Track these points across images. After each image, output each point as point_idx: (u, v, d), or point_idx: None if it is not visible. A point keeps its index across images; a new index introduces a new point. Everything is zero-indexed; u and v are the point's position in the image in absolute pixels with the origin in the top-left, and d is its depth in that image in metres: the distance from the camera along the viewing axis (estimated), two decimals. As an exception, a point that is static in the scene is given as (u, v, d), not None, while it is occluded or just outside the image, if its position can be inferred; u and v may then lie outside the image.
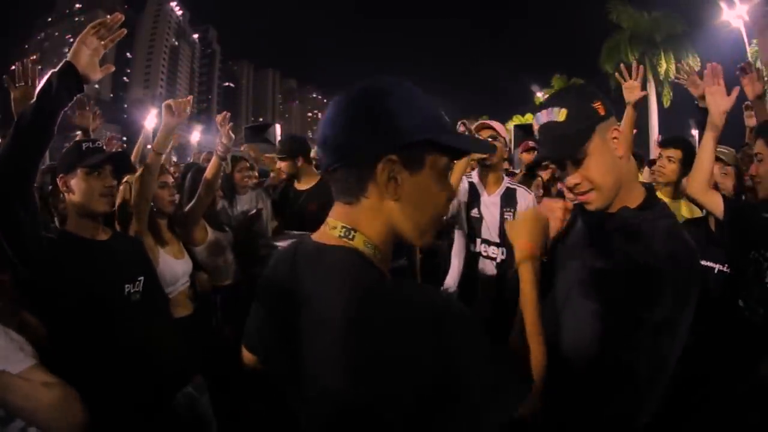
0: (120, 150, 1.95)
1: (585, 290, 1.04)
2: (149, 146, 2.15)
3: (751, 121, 2.70)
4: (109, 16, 1.20)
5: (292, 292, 0.74)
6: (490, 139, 2.27)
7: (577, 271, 1.07)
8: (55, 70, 1.15)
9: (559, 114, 1.00)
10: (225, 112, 2.41)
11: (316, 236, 0.77)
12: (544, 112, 1.02)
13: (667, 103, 19.34)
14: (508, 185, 2.35)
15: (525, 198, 2.32)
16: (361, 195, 0.72)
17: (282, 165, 2.96)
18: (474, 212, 2.34)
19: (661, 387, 0.94)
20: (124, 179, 1.95)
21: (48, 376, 0.97)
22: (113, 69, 1.28)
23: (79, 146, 1.48)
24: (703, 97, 1.86)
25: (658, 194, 2.32)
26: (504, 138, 2.35)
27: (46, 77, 1.13)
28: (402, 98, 0.69)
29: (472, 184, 2.37)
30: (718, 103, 1.57)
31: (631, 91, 2.12)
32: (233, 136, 2.33)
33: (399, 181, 0.69)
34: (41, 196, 2.01)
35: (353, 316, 0.64)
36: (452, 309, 0.66)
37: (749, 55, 14.04)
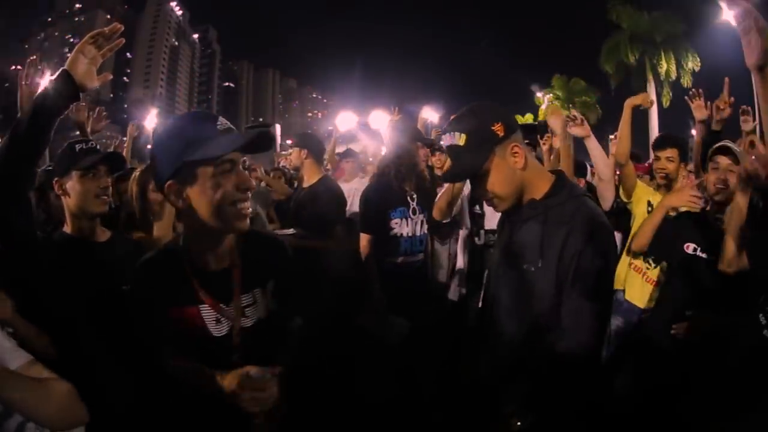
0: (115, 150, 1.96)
1: (508, 282, 1.20)
2: (149, 146, 2.15)
3: (747, 125, 2.73)
4: (107, 27, 1.19)
5: None
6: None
7: (501, 264, 1.24)
8: (53, 77, 1.15)
9: (460, 138, 1.13)
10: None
11: None
12: (447, 135, 1.16)
13: (667, 103, 19.34)
14: None
15: None
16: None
17: (292, 154, 3.14)
18: (476, 209, 2.44)
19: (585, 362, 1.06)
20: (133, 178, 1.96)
21: (46, 372, 0.97)
22: (111, 77, 1.28)
23: (73, 148, 1.48)
24: (702, 122, 2.39)
25: (659, 195, 2.36)
26: None
27: (42, 86, 1.15)
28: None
29: None
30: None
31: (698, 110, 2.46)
32: None
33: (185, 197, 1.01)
34: (42, 197, 2.01)
35: None
36: None
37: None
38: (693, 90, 2.58)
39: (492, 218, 2.35)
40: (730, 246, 1.59)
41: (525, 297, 1.13)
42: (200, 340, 1.10)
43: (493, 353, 1.24)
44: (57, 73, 1.16)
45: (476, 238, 2.47)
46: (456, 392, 1.97)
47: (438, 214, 2.42)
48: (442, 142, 1.17)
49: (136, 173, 1.99)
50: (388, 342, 2.33)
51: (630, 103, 2.45)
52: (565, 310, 1.07)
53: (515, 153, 1.13)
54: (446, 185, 2.31)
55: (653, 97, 19.48)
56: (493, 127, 1.11)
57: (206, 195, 0.99)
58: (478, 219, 2.44)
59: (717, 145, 1.90)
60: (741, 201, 1.55)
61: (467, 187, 2.45)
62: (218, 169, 0.99)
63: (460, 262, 2.61)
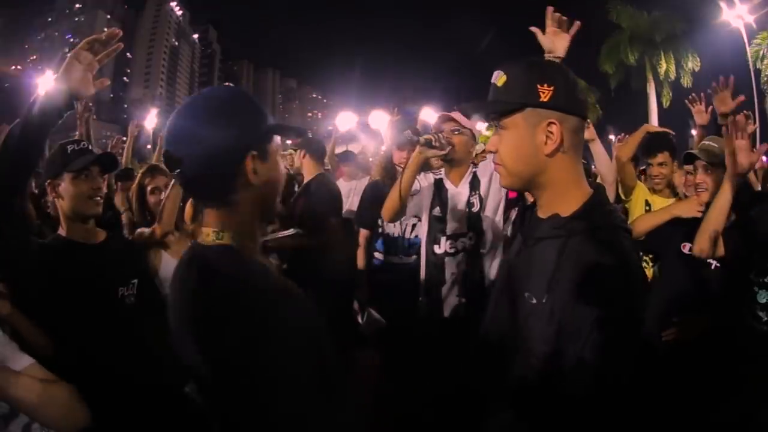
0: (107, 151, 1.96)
1: (502, 298, 1.03)
2: (149, 146, 2.15)
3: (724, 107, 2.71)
4: (104, 32, 1.15)
5: None
6: (454, 132, 2.04)
7: (500, 278, 1.09)
8: (47, 89, 1.12)
9: (500, 78, 0.94)
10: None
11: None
12: (495, 72, 0.96)
13: (667, 103, 19.33)
14: (474, 170, 2.15)
15: (486, 169, 2.11)
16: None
17: (295, 158, 3.24)
18: (436, 211, 2.15)
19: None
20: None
21: (49, 374, 0.97)
22: (108, 83, 1.25)
23: (64, 149, 1.44)
24: (725, 115, 2.08)
25: (657, 197, 2.38)
26: (469, 130, 2.12)
27: (35, 96, 1.10)
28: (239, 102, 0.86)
29: (438, 181, 2.18)
30: (743, 160, 1.52)
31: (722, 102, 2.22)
32: None
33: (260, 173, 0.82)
34: (38, 197, 2.00)
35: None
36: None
37: (749, 55, 14.03)
38: (693, 95, 2.54)
39: (458, 215, 2.10)
40: (705, 232, 1.56)
41: (519, 328, 0.93)
42: None
43: (484, 377, 1.06)
44: (51, 84, 1.12)
45: (436, 247, 2.10)
46: (447, 394, 1.98)
47: (384, 214, 2.11)
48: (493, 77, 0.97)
49: (139, 175, 2.00)
50: (363, 334, 2.38)
51: (647, 128, 2.58)
52: (570, 367, 0.83)
53: (549, 132, 0.88)
54: (395, 184, 2.02)
55: (653, 97, 19.61)
56: (539, 86, 0.88)
57: (275, 172, 0.87)
58: (437, 223, 2.12)
59: (685, 153, 1.95)
60: (727, 190, 1.54)
61: (427, 193, 2.19)
62: (277, 149, 0.90)
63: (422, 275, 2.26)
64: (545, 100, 0.88)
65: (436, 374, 2.02)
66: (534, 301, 0.89)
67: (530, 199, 1.22)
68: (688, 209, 1.86)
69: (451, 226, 2.11)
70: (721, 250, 1.53)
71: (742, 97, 2.29)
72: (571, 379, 0.83)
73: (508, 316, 0.98)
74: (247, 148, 0.80)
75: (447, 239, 2.11)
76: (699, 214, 1.77)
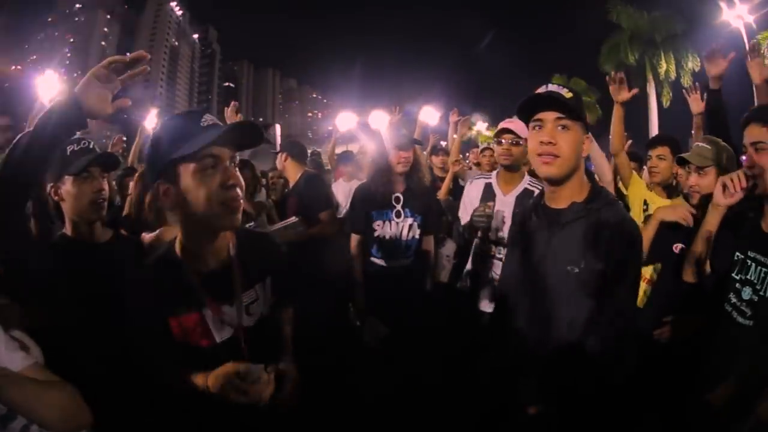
0: (107, 151, 1.95)
1: (551, 284, 1.27)
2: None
3: (696, 107, 2.72)
4: (130, 55, 1.06)
5: None
6: (512, 145, 2.18)
7: (543, 266, 1.29)
8: (61, 99, 1.02)
9: (567, 93, 1.25)
10: (234, 102, 2.55)
11: None
12: (554, 86, 1.27)
13: (667, 103, 19.32)
14: (527, 186, 2.23)
15: None
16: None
17: (277, 162, 3.28)
18: (480, 212, 2.18)
19: (628, 351, 1.21)
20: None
21: (50, 374, 0.96)
22: (129, 103, 1.13)
23: (64, 150, 1.41)
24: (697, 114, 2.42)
25: (654, 195, 2.38)
26: (526, 139, 2.17)
27: (48, 107, 1.02)
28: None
29: (488, 185, 2.32)
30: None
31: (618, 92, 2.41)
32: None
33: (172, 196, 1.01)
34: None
35: None
36: None
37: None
38: (690, 85, 2.67)
39: (501, 226, 2.20)
40: (690, 261, 1.62)
41: (564, 297, 1.24)
42: (202, 348, 1.08)
43: (520, 351, 1.34)
44: (66, 97, 1.03)
45: (483, 246, 2.28)
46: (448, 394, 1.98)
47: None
48: (542, 87, 1.29)
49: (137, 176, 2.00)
50: (365, 342, 2.36)
51: (620, 98, 2.43)
52: (609, 309, 1.20)
53: (585, 142, 1.27)
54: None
55: (653, 97, 19.60)
56: (584, 114, 1.29)
57: (191, 193, 0.98)
58: (482, 225, 2.16)
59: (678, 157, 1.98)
60: (711, 219, 1.55)
61: (477, 193, 2.33)
62: (200, 165, 0.97)
63: (468, 267, 2.40)
64: (587, 123, 1.29)
65: (441, 373, 2.04)
66: (576, 270, 1.21)
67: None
68: (671, 214, 1.86)
69: (493, 233, 2.22)
70: (707, 270, 1.59)
71: (732, 54, 2.38)
72: (619, 324, 1.20)
73: (544, 293, 1.27)
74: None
75: (490, 243, 2.24)
76: (685, 218, 1.78)
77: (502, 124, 2.27)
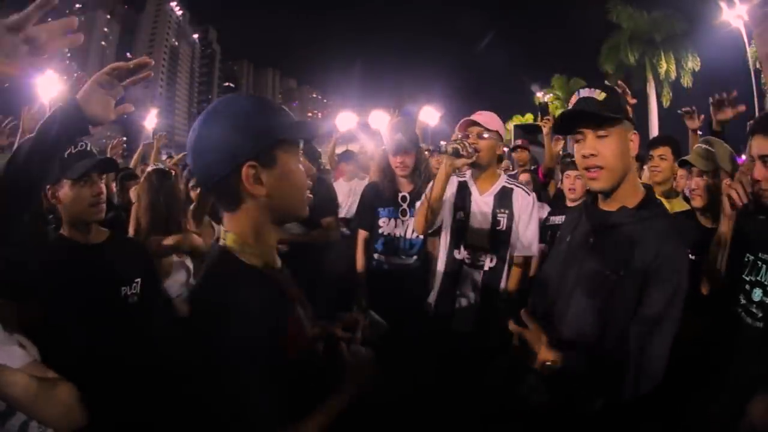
0: (108, 156, 1.95)
1: (585, 285, 1.18)
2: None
3: (692, 123, 2.68)
4: (132, 61, 1.04)
5: None
6: (480, 137, 2.02)
7: (580, 267, 1.21)
8: (63, 106, 1.00)
9: (599, 94, 1.15)
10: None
11: None
12: (586, 89, 1.18)
13: (666, 103, 19.32)
14: (505, 184, 2.10)
15: (524, 199, 2.06)
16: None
17: None
18: (460, 215, 2.09)
19: (652, 380, 1.08)
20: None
21: (49, 372, 0.97)
22: (133, 109, 1.11)
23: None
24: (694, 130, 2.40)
25: (657, 194, 2.38)
26: (496, 131, 2.07)
27: (50, 113, 0.99)
28: (246, 109, 0.88)
29: (462, 183, 2.15)
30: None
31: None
32: None
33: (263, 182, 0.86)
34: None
35: None
36: None
37: (749, 55, 14.01)
38: (686, 108, 2.61)
39: (480, 228, 2.07)
40: (710, 273, 1.58)
41: (600, 301, 1.15)
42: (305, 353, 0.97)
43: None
44: (67, 102, 1.00)
45: (456, 252, 2.07)
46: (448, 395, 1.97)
47: (417, 227, 2.11)
48: (576, 94, 1.21)
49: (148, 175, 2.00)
50: (366, 339, 2.33)
51: None
52: (633, 342, 1.08)
53: (632, 139, 1.17)
54: (422, 198, 2.02)
55: (653, 97, 19.61)
56: (626, 105, 1.18)
57: (289, 179, 0.90)
58: (459, 227, 2.07)
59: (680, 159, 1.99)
60: (725, 228, 1.52)
61: (452, 193, 2.15)
62: (297, 154, 0.93)
63: (438, 274, 2.21)
64: (630, 116, 1.17)
65: (434, 377, 2.03)
66: (615, 277, 1.12)
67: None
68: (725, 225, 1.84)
69: (471, 235, 2.07)
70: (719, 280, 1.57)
71: (743, 107, 2.33)
72: (658, 340, 1.08)
73: (582, 295, 1.18)
74: (244, 157, 0.84)
75: (465, 247, 2.07)
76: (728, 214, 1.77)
77: (472, 117, 2.09)
